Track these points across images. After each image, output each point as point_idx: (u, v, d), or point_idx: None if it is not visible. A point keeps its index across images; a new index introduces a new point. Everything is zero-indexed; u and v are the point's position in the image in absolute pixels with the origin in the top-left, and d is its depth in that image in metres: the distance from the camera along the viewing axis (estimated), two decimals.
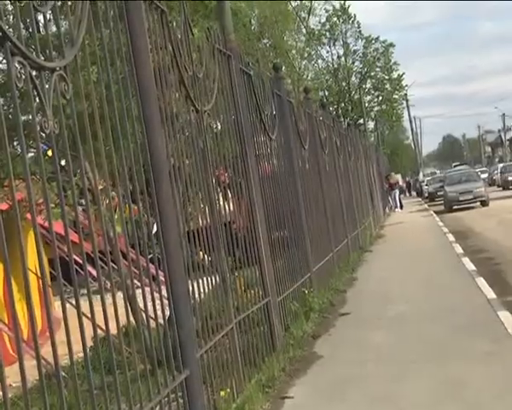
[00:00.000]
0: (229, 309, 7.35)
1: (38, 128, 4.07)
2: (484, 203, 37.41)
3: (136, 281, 5.84)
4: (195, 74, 7.27)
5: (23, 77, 3.97)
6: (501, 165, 65.81)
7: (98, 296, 4.48)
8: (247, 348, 7.76)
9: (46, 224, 5.81)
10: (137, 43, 5.63)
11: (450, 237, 21.52)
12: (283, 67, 17.91)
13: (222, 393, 6.65)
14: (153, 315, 5.62)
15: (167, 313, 5.73)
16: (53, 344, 3.86)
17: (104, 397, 4.42)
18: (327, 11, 51.90)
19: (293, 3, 39.11)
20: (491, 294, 11.18)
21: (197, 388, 5.66)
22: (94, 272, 4.85)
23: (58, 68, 4.35)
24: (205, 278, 6.89)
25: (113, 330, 4.75)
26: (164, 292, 5.73)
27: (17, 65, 3.91)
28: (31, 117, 4.13)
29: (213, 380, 6.46)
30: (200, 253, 6.98)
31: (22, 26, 4.47)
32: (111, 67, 5.30)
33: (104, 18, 5.36)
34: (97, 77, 5.30)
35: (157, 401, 5.16)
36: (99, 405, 4.43)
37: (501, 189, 53.60)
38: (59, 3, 4.72)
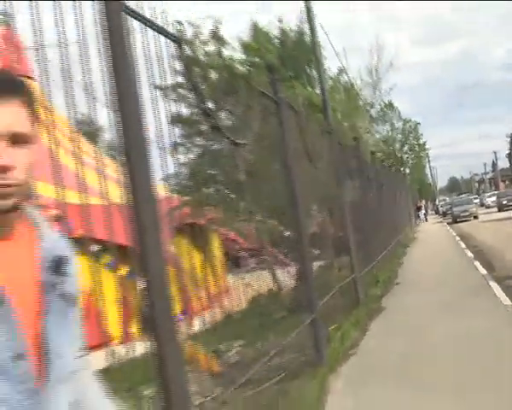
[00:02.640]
0: (333, 280, 7.33)
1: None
2: (475, 217, 35.99)
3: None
4: (314, 148, 7.31)
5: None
6: (495, 192, 60.50)
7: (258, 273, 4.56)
8: (343, 303, 7.72)
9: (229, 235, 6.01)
10: (285, 132, 5.63)
11: (457, 238, 20.60)
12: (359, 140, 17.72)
13: (332, 327, 6.63)
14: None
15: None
16: None
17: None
18: (380, 105, 51.13)
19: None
20: (483, 271, 10.71)
21: (319, 324, 5.57)
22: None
23: (245, 144, 4.50)
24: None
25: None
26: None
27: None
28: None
29: (327, 320, 6.44)
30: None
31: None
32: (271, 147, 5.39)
33: (267, 113, 5.44)
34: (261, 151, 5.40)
35: (298, 331, 5.20)
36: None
37: (496, 210, 41.57)
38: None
